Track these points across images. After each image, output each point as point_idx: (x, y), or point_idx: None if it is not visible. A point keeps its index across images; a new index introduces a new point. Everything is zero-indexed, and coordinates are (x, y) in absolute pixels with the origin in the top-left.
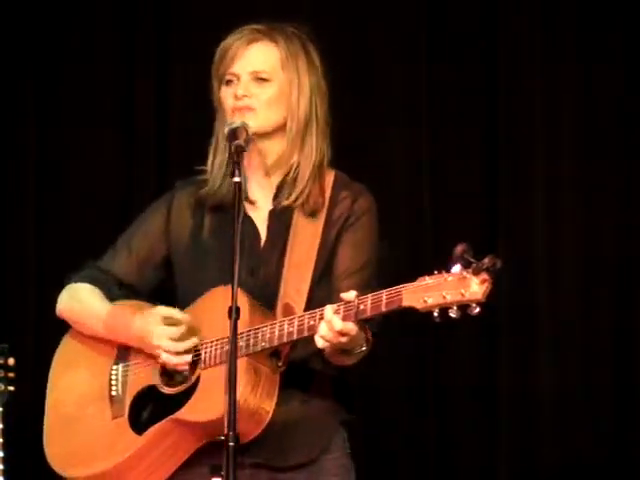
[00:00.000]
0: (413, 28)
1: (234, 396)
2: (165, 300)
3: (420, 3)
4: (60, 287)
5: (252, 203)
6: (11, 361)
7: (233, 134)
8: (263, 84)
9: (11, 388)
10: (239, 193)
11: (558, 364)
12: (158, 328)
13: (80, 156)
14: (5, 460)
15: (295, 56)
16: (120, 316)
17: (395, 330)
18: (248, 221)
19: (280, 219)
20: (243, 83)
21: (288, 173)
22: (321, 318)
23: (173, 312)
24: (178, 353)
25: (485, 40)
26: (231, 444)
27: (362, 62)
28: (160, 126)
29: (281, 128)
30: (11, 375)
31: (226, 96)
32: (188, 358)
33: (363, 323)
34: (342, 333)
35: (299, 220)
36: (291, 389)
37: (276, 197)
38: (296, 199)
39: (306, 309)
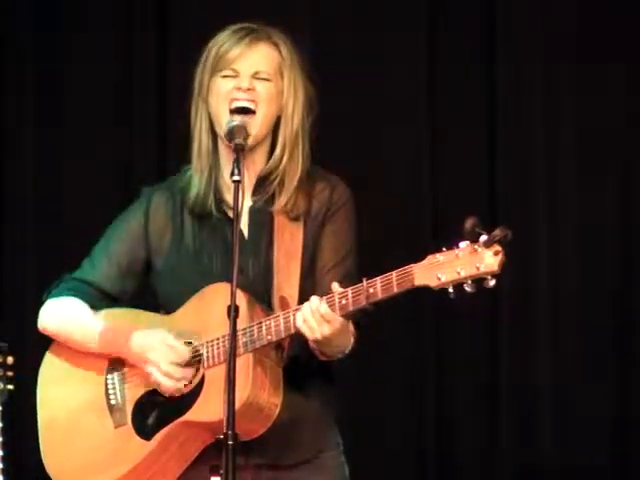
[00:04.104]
0: (413, 28)
1: (232, 395)
2: (145, 303)
3: (420, 3)
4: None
5: (229, 204)
6: (10, 360)
7: (232, 133)
8: (264, 82)
9: (10, 387)
10: (238, 192)
11: (559, 362)
12: (163, 348)
13: (78, 157)
14: (5, 458)
15: (292, 63)
16: (116, 332)
17: (395, 330)
18: (229, 222)
19: (261, 214)
20: (246, 78)
21: (270, 173)
22: None
23: (177, 345)
24: (176, 378)
25: (485, 39)
26: (230, 443)
27: (362, 62)
28: (160, 127)
29: (267, 137)
30: (10, 374)
31: (223, 86)
32: (180, 386)
33: (350, 316)
34: (325, 319)
35: (280, 214)
36: (287, 386)
37: (255, 194)
38: (284, 205)
39: (299, 302)
